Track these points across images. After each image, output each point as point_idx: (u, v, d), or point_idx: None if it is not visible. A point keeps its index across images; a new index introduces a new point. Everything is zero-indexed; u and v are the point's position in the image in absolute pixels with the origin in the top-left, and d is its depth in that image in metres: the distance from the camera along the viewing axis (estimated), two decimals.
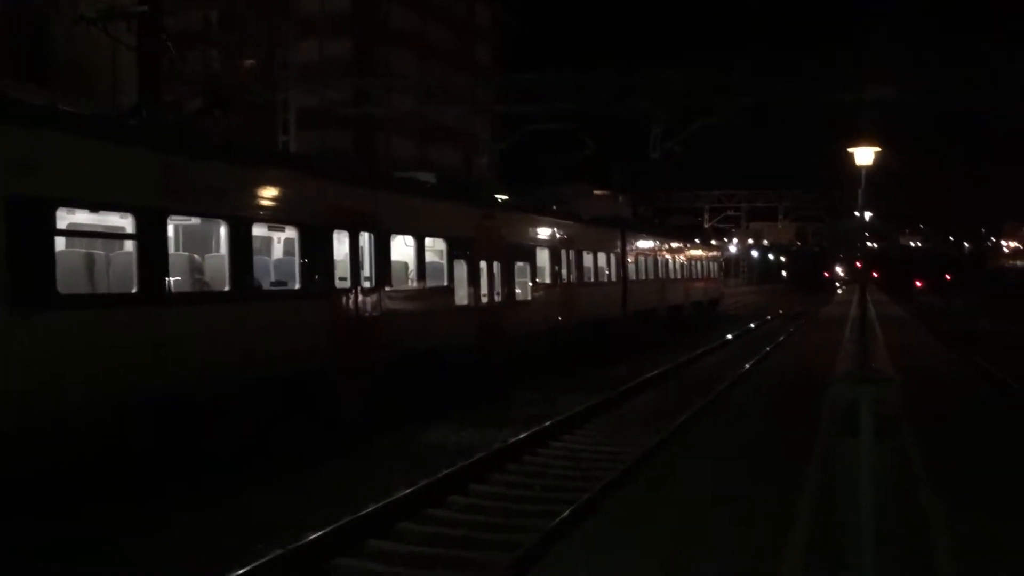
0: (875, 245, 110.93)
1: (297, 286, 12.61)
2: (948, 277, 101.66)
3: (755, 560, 6.26)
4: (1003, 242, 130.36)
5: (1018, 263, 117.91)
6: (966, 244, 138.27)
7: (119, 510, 8.86)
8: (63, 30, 16.69)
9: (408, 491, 9.99)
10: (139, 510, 9.02)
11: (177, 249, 11.75)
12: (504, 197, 25.26)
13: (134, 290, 9.72)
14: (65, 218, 9.41)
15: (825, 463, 7.51)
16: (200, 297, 11.09)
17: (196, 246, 12.03)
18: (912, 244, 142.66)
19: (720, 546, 6.73)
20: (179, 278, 10.83)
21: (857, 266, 71.46)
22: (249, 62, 45.72)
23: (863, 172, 21.52)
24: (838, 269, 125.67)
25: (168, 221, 10.35)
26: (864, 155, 20.68)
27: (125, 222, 9.92)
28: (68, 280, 9.15)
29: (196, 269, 11.40)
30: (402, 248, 15.91)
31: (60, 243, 9.48)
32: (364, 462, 12.06)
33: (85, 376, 8.89)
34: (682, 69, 31.72)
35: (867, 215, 40.43)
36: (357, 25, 58.03)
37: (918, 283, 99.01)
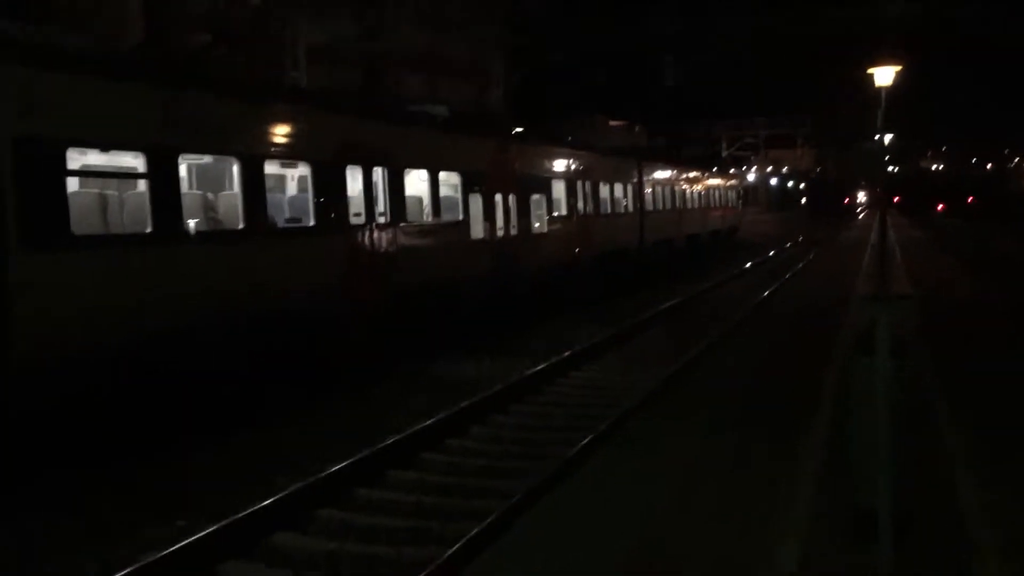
0: (896, 169, 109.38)
1: (311, 223, 12.59)
2: (970, 200, 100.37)
3: (770, 480, 6.29)
4: None
5: None
6: (989, 165, 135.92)
7: (141, 448, 9.01)
8: None
9: (428, 423, 10.10)
10: (160, 454, 9.16)
11: (190, 188, 11.73)
12: (519, 130, 25.03)
13: (148, 230, 9.72)
14: (76, 159, 9.37)
15: (841, 382, 7.50)
16: (214, 236, 11.09)
17: (209, 184, 11.99)
18: (934, 167, 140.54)
19: (736, 465, 6.76)
20: (193, 217, 10.82)
21: (877, 191, 70.59)
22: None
23: (883, 93, 21.08)
24: (860, 194, 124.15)
25: (179, 160, 10.29)
26: (884, 75, 20.25)
27: (136, 162, 9.86)
28: (82, 220, 9.16)
29: (209, 207, 11.37)
30: (416, 183, 15.83)
31: (73, 184, 9.46)
32: (385, 394, 12.18)
33: (98, 312, 8.96)
34: None
35: (888, 138, 39.73)
36: None
37: (940, 206, 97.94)
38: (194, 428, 9.54)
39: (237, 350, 10.60)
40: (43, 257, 8.46)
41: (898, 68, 20.94)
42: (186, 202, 10.47)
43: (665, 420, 8.52)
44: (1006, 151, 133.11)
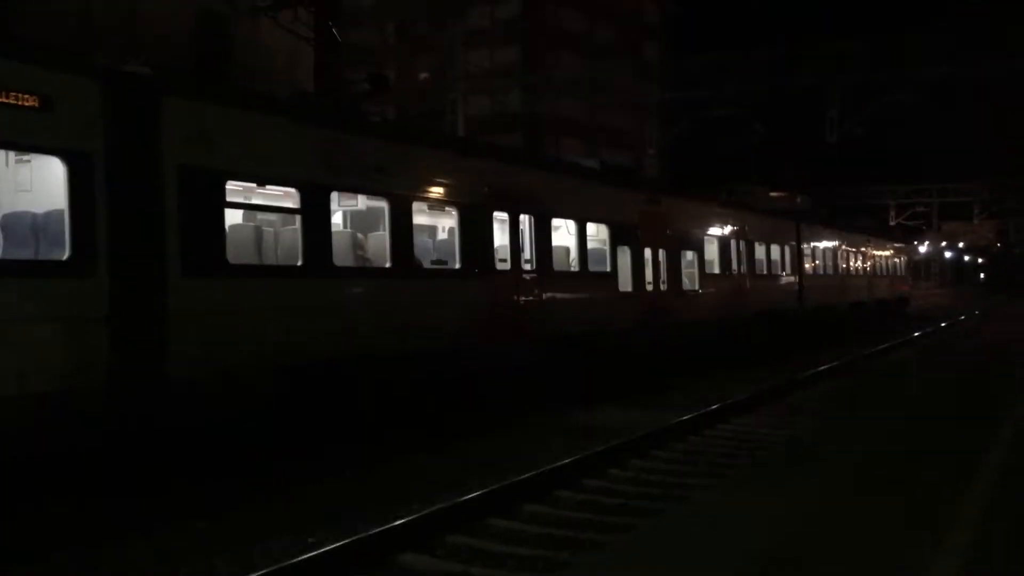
0: None
1: (457, 265, 12.77)
2: None
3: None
4: None
5: None
6: None
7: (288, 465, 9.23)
8: (244, 30, 17.79)
9: (566, 461, 9.89)
10: (310, 464, 9.36)
11: (344, 227, 12.16)
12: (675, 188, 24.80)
13: (299, 263, 10.10)
14: (235, 191, 9.87)
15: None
16: (363, 272, 11.39)
17: (359, 224, 12.39)
18: None
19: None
20: (343, 254, 11.17)
21: None
22: (423, 75, 47.24)
23: None
24: None
25: (331, 197, 10.69)
26: None
27: (290, 198, 10.31)
28: (237, 250, 9.62)
29: (358, 246, 11.72)
30: (564, 233, 15.86)
31: (234, 215, 9.98)
32: (526, 438, 12.07)
33: (249, 340, 9.32)
34: (858, 35, 29.60)
35: None
36: (525, 31, 58.60)
37: None
38: (335, 454, 9.72)
39: (380, 381, 10.80)
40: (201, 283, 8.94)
41: None
42: (336, 239, 10.83)
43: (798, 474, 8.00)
44: None
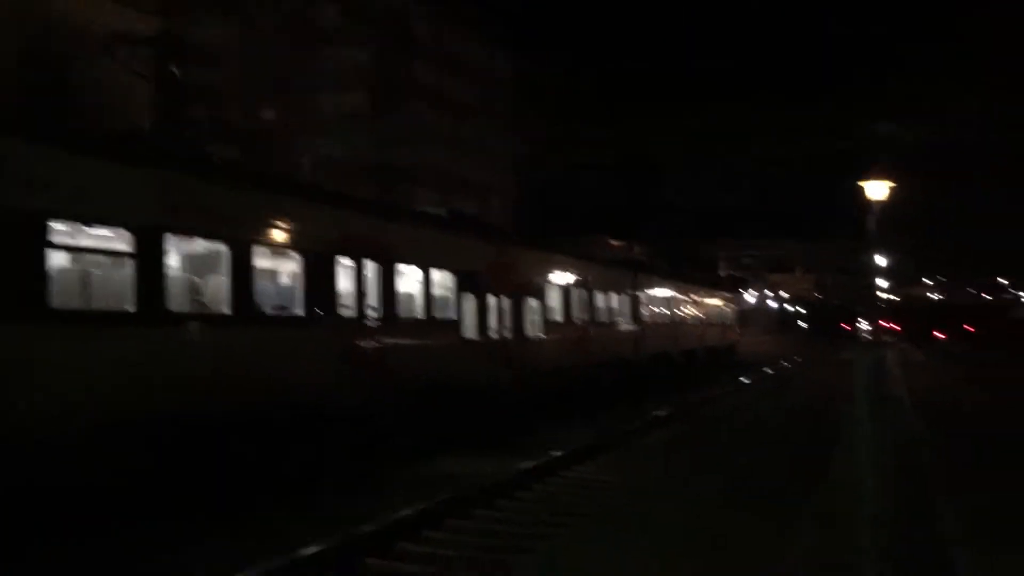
0: (895, 298, 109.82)
1: (301, 312, 12.49)
2: (970, 328, 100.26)
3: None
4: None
5: None
6: (985, 295, 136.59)
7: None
8: (79, 66, 17.02)
9: (408, 512, 9.75)
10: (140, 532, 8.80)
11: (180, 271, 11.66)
12: (520, 237, 25.23)
13: (130, 308, 9.60)
14: (59, 232, 9.29)
15: None
16: (198, 318, 10.94)
17: (197, 268, 11.92)
18: (930, 296, 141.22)
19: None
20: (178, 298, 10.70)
21: (876, 319, 70.63)
22: (268, 113, 46.31)
23: (874, 207, 21.32)
24: (861, 323, 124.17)
25: (165, 240, 10.24)
26: (877, 189, 20.53)
27: (122, 240, 9.81)
28: (62, 294, 9.04)
29: (195, 290, 11.27)
30: (409, 281, 15.81)
31: (60, 258, 9.38)
32: (367, 492, 11.81)
33: (74, 391, 8.75)
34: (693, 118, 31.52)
35: (883, 261, 40.14)
36: (378, 79, 58.54)
37: (939, 335, 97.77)
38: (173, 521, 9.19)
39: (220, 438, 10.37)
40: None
41: (891, 184, 21.23)
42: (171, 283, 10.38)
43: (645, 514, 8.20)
44: (1004, 282, 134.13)
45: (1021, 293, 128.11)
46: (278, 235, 12.23)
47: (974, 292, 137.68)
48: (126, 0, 18.52)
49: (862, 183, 20.29)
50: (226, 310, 11.05)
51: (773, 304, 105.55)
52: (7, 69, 17.51)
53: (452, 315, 16.75)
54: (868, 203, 20.94)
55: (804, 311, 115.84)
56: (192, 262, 11.67)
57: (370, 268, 14.22)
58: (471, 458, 14.25)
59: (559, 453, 14.11)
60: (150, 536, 8.78)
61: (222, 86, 47.85)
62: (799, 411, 17.52)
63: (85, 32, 17.39)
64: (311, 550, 8.12)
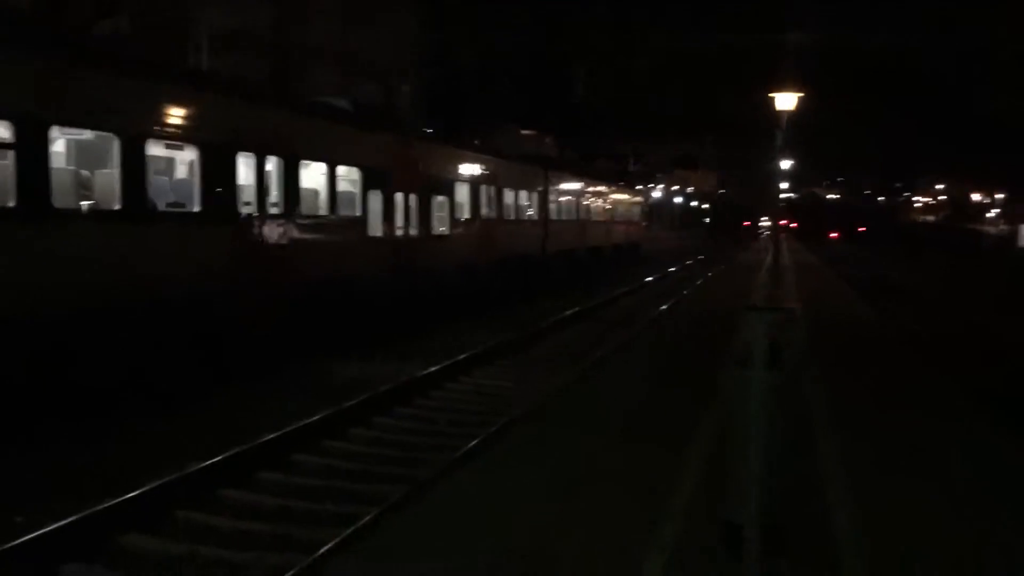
0: (794, 195, 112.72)
1: (197, 208, 12.03)
2: (862, 229, 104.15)
3: (650, 490, 6.14)
4: (915, 197, 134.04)
5: (928, 218, 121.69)
6: (880, 198, 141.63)
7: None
8: None
9: (305, 422, 9.69)
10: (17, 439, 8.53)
11: (67, 164, 11.03)
12: (429, 131, 24.72)
13: (11, 204, 9.07)
14: None
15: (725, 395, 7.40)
16: (87, 215, 10.43)
17: (86, 162, 11.30)
18: (828, 196, 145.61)
19: (615, 478, 6.60)
20: (64, 194, 10.14)
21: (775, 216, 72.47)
22: None
23: (784, 117, 21.54)
24: (763, 219, 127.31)
25: (50, 132, 9.63)
26: (785, 100, 20.68)
27: (2, 129, 9.18)
28: None
29: (83, 185, 10.70)
30: (314, 176, 15.37)
31: None
32: (269, 393, 11.70)
33: None
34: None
35: (787, 164, 40.92)
36: None
37: (833, 234, 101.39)
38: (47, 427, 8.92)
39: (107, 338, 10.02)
40: None
41: (799, 95, 21.41)
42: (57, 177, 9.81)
43: (551, 428, 8.31)
44: (897, 185, 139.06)
45: (912, 195, 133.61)
46: (173, 127, 11.63)
47: (869, 193, 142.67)
48: None
49: (772, 94, 20.44)
50: (117, 206, 10.55)
51: (678, 200, 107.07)
52: None
53: (358, 212, 16.43)
54: (777, 114, 21.11)
55: (708, 207, 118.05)
56: (80, 155, 11.05)
57: (272, 163, 13.77)
58: (370, 362, 14.21)
59: (462, 356, 14.18)
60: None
61: None
62: (693, 319, 17.95)
63: None
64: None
